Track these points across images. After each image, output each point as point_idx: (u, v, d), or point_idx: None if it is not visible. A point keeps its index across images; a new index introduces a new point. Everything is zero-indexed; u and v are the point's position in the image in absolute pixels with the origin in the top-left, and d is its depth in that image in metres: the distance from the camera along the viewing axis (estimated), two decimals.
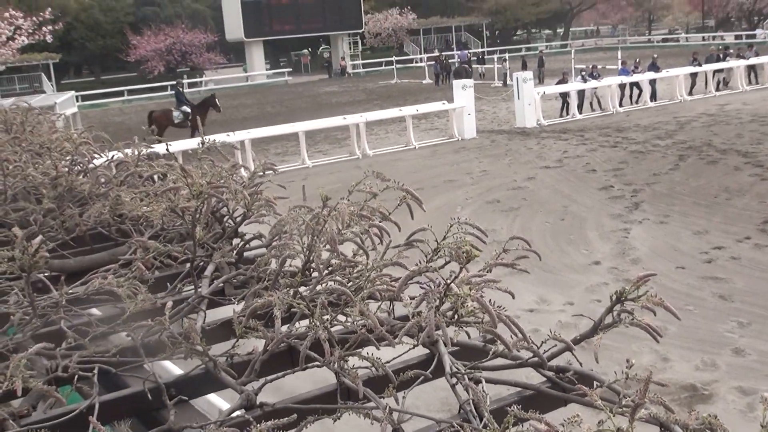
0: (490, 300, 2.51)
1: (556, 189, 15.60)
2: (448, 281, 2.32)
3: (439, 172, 18.08)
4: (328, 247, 2.78)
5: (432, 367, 2.46)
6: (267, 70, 59.09)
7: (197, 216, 3.12)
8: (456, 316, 2.44)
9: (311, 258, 2.72)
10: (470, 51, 54.98)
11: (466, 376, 2.32)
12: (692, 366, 7.64)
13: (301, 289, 2.82)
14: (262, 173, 3.88)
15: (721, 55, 31.54)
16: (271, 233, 3.19)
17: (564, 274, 10.55)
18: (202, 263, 3.38)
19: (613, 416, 1.80)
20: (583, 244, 11.87)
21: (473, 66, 44.37)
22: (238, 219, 3.67)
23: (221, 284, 3.26)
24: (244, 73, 58.41)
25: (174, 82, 30.88)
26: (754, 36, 55.98)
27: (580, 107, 26.28)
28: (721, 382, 7.26)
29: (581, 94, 26.62)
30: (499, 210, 14.24)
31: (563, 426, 1.75)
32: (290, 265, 3.07)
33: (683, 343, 8.14)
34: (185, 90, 29.53)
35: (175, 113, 24.90)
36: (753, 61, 31.03)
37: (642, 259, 10.91)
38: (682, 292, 9.57)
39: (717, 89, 29.90)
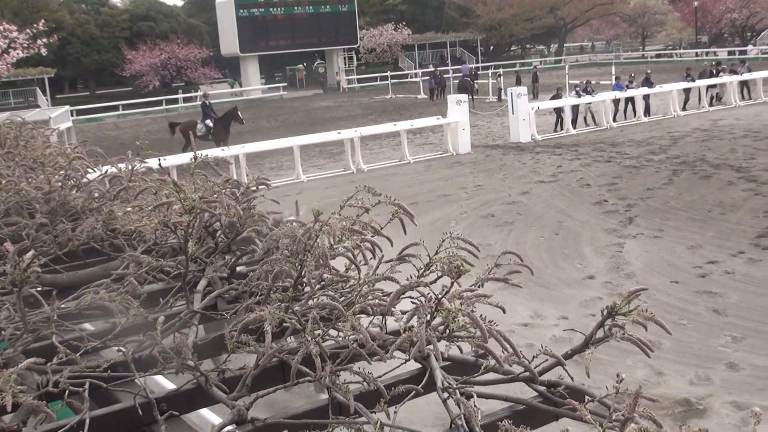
0: (481, 315, 2.51)
1: (551, 203, 15.62)
2: (440, 296, 2.33)
3: (434, 187, 18.11)
4: (320, 261, 2.79)
5: (423, 381, 2.46)
6: (262, 84, 59.21)
7: (189, 231, 3.12)
8: (447, 331, 2.44)
9: (303, 273, 2.72)
10: (473, 66, 55.06)
11: (457, 391, 2.32)
12: (686, 380, 7.64)
13: (294, 304, 2.82)
14: (255, 188, 3.89)
15: (714, 71, 31.70)
16: (263, 248, 3.20)
17: (558, 289, 10.55)
18: (194, 278, 3.38)
19: (604, 430, 1.80)
20: (577, 258, 11.88)
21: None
22: (231, 234, 3.67)
23: (214, 299, 3.27)
24: (231, 88, 58.50)
25: (202, 93, 31.04)
26: (746, 52, 56.30)
27: (574, 122, 26.36)
28: (715, 396, 7.26)
29: (575, 109, 26.71)
30: (494, 224, 14.26)
31: None
32: (283, 281, 3.07)
33: (677, 357, 8.15)
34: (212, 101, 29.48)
35: (199, 125, 25.15)
36: (746, 76, 31.19)
37: (636, 273, 10.92)
38: (676, 307, 9.59)
39: (710, 104, 30.03)
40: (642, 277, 10.71)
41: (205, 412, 2.86)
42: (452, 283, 2.37)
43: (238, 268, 3.67)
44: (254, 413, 2.45)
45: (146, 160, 4.22)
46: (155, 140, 24.51)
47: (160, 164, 3.62)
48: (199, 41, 59.08)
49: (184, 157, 17.15)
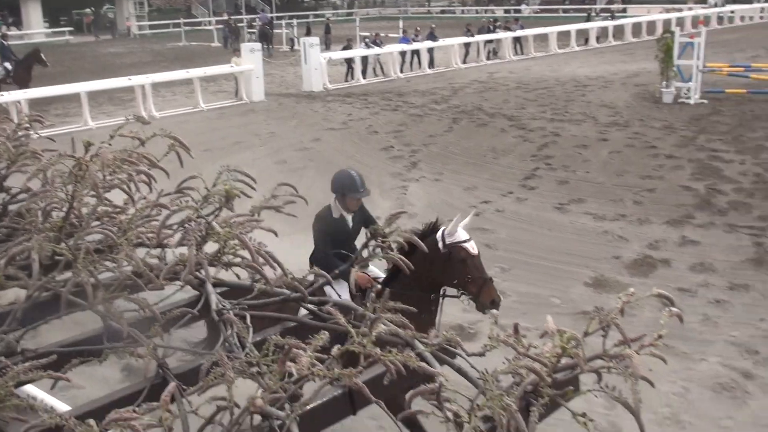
0: (255, 240, 2.56)
1: (341, 150, 15.88)
2: (209, 220, 2.35)
3: (228, 134, 17.80)
4: (93, 194, 2.71)
5: (199, 305, 2.49)
6: (46, 28, 55.00)
7: None
8: (220, 256, 2.48)
9: (74, 205, 2.64)
10: (271, 15, 53.97)
11: (231, 312, 2.37)
12: (460, 308, 8.10)
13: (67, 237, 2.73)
14: (28, 125, 3.67)
15: (492, 27, 33.27)
16: (29, 180, 3.04)
17: None
18: None
19: (357, 335, 1.92)
20: (365, 200, 12.19)
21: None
22: (2, 172, 3.46)
23: None
24: None
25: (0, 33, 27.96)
26: (520, 11, 59.41)
27: (364, 72, 26.79)
28: (484, 321, 7.78)
29: (365, 60, 27.13)
30: (287, 170, 14.29)
31: (311, 344, 1.85)
32: (56, 216, 2.96)
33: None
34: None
35: None
36: (518, 33, 32.99)
37: (418, 213, 11.38)
38: None
39: (487, 58, 31.56)
40: (423, 216, 11.13)
41: None
42: (221, 207, 2.40)
43: (13, 207, 3.48)
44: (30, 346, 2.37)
45: None
46: None
47: None
48: None
49: None
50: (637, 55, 30.73)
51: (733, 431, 5.87)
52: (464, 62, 30.38)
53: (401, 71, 27.85)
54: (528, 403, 1.99)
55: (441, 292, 4.91)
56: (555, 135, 16.43)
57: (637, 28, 38.52)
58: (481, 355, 2.11)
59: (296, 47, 33.40)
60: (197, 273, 2.40)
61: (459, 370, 2.15)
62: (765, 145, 14.69)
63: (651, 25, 38.41)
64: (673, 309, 2.18)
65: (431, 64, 29.12)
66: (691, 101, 19.51)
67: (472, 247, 4.79)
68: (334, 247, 4.96)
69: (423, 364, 1.93)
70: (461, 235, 4.83)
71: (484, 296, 4.69)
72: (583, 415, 2.01)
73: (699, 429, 5.96)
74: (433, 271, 4.66)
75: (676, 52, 19.68)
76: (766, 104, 18.85)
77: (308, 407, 1.87)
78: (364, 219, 5.44)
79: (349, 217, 5.23)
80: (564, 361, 2.04)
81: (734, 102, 19.39)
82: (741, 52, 29.83)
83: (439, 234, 4.77)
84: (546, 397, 1.94)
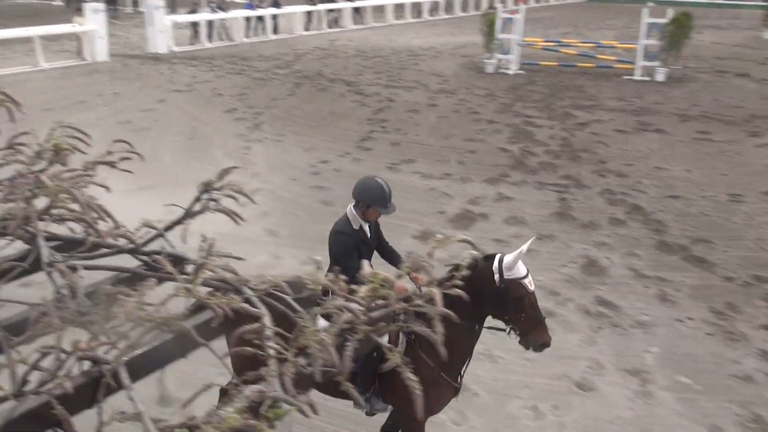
0: (88, 195, 2.48)
1: (186, 111, 15.41)
2: (38, 175, 2.25)
3: (70, 94, 16.81)
4: None
5: (30, 259, 2.39)
6: None
7: None
8: (50, 209, 2.38)
9: None
10: None
11: (63, 264, 2.30)
12: (299, 261, 8.22)
13: None
14: None
15: None
16: None
17: (190, 188, 10.49)
18: None
19: (189, 282, 1.93)
20: (209, 161, 11.95)
21: None
22: None
23: None
24: None
25: None
26: None
27: (209, 36, 25.98)
28: (321, 272, 7.90)
29: (211, 24, 26.30)
30: (131, 130, 13.71)
31: (135, 292, 1.84)
32: None
33: (293, 243, 8.72)
34: None
35: None
36: (358, 4, 33.00)
37: (261, 173, 11.31)
38: (293, 201, 10.17)
39: (329, 27, 31.41)
40: (266, 175, 11.13)
41: None
42: (51, 162, 2.31)
43: None
44: None
45: None
46: None
47: None
48: None
49: None
50: (465, 29, 31.56)
51: (536, 363, 6.32)
52: (307, 29, 30.08)
53: (246, 36, 27.22)
54: (345, 339, 2.08)
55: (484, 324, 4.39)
56: (390, 100, 16.69)
57: (465, 3, 39.52)
58: (305, 297, 2.16)
59: (140, 9, 31.77)
60: (27, 227, 2.30)
61: (284, 313, 2.20)
62: (571, 113, 15.61)
63: (478, 1, 39.53)
64: (474, 252, 2.33)
65: (275, 31, 28.63)
66: (510, 72, 20.36)
67: (530, 283, 4.24)
68: (359, 260, 4.30)
69: (246, 305, 1.96)
70: (521, 270, 4.23)
71: (535, 336, 4.29)
72: (390, 350, 2.12)
73: (508, 362, 6.38)
74: (483, 303, 4.11)
75: (498, 26, 20.41)
76: (574, 76, 19.97)
77: (137, 352, 1.86)
78: (377, 230, 4.89)
79: (366, 227, 4.70)
80: (379, 301, 2.13)
81: (547, 74, 20.39)
82: (554, 28, 31.31)
83: (495, 264, 4.21)
84: (360, 333, 2.04)
